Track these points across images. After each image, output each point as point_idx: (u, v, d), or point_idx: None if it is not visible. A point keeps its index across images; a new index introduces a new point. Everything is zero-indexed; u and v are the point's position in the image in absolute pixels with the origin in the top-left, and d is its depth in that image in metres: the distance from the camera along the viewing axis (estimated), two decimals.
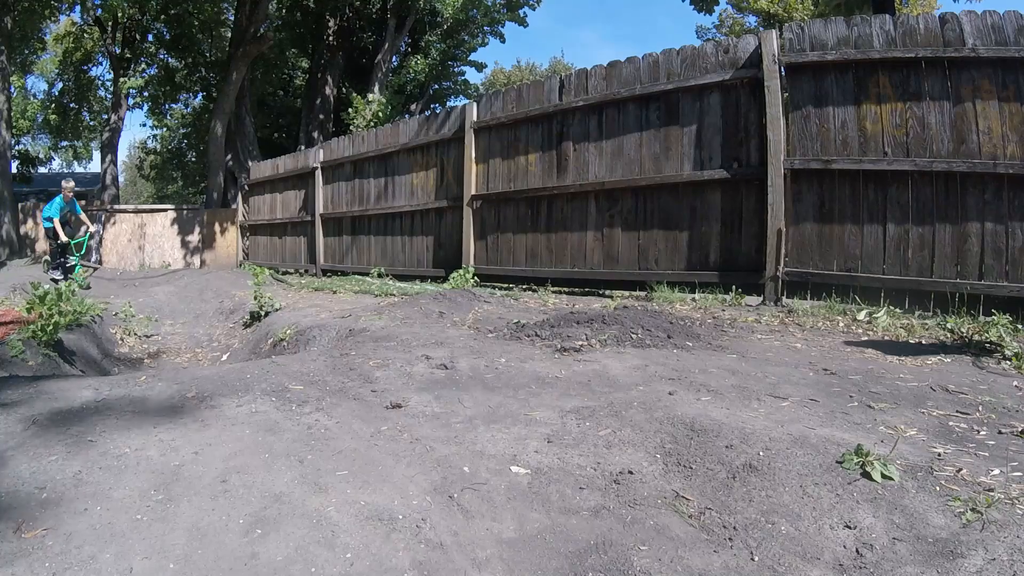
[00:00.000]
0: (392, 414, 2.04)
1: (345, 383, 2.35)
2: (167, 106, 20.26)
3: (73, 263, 8.65)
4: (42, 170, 26.05)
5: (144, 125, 21.02)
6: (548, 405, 2.11)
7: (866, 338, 3.22)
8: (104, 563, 1.18)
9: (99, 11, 15.84)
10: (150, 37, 18.05)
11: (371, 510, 1.40)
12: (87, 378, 2.65)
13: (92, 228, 8.98)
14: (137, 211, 14.01)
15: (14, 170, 16.59)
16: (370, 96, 14.82)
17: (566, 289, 5.67)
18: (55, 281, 8.12)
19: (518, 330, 3.29)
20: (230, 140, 14.28)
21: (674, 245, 5.01)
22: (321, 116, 16.03)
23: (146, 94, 18.30)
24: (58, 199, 8.71)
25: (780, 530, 1.34)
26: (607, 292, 5.39)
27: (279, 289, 7.07)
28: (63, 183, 8.85)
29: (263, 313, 5.15)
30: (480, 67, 21.15)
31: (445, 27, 17.83)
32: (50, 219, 8.52)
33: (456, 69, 20.45)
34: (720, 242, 4.76)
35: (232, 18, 16.09)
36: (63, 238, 8.48)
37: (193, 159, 24.31)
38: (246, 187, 12.47)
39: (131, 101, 18.34)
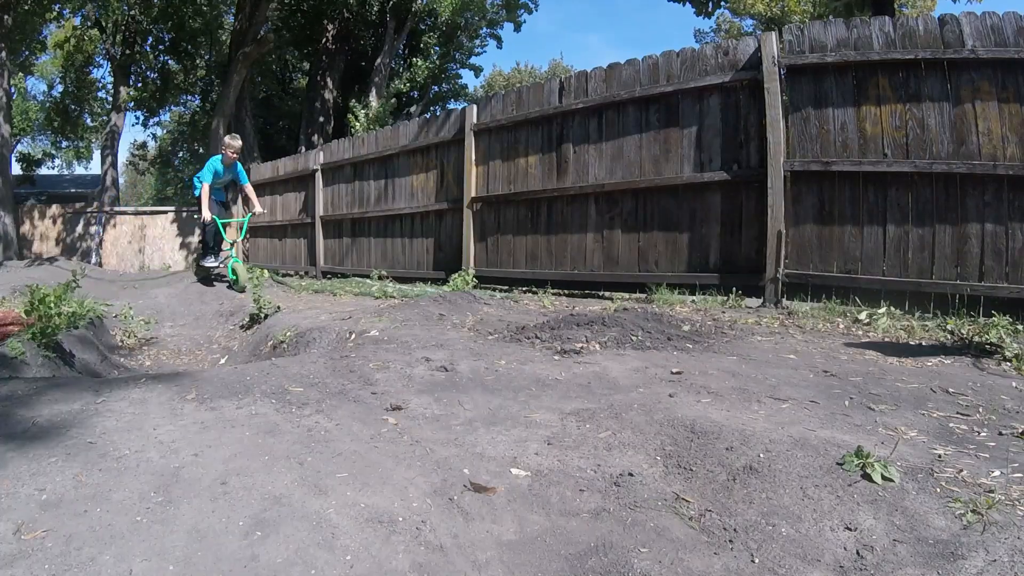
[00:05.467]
0: (392, 416, 2.04)
1: (345, 385, 2.35)
2: (164, 113, 20.35)
3: (230, 257, 6.90)
4: (43, 171, 26.10)
5: (143, 123, 20.97)
6: (548, 407, 2.11)
7: (866, 340, 3.22)
8: (104, 565, 1.18)
9: (98, 13, 15.90)
10: (150, 40, 18.09)
11: (371, 512, 1.40)
12: (87, 380, 2.65)
13: (258, 209, 6.97)
14: (137, 213, 14.02)
15: (17, 171, 16.64)
16: (370, 99, 14.84)
17: (566, 291, 5.67)
18: (206, 269, 6.91)
19: (518, 332, 3.29)
20: None
21: (674, 247, 5.01)
22: (321, 118, 16.05)
23: (145, 95, 18.35)
24: (214, 160, 6.74)
25: (781, 532, 1.34)
26: (607, 294, 5.39)
27: (279, 291, 7.07)
28: (227, 139, 6.86)
29: (263, 315, 5.15)
30: (478, 71, 21.27)
31: (443, 29, 17.89)
32: (199, 185, 6.63)
33: (454, 71, 20.55)
34: (720, 244, 4.76)
35: (232, 20, 16.14)
36: (206, 215, 6.59)
37: (190, 159, 24.36)
38: None
39: (130, 104, 18.39)
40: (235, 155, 6.75)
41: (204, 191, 6.50)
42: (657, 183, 5.06)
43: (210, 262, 6.81)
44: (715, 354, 2.89)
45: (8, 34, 12.06)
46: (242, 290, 6.39)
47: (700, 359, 2.75)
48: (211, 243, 7.01)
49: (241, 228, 7.17)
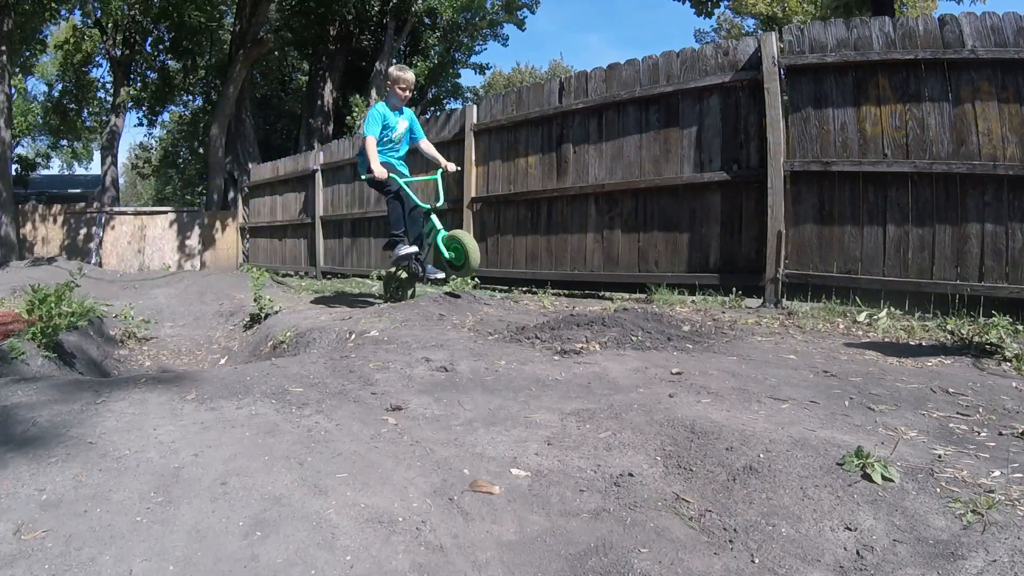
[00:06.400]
0: (392, 416, 2.04)
1: (345, 385, 2.35)
2: (163, 114, 20.33)
3: (432, 231, 4.76)
4: (43, 172, 26.07)
5: (141, 124, 20.94)
6: (548, 407, 2.11)
7: (866, 340, 3.22)
8: (104, 565, 1.18)
9: (98, 13, 15.89)
10: (149, 40, 18.09)
11: (371, 512, 1.40)
12: (87, 380, 2.65)
13: (451, 167, 4.85)
14: (137, 213, 14.04)
15: (13, 173, 16.60)
16: (370, 99, 14.84)
17: (566, 291, 5.67)
18: (402, 261, 4.71)
19: (518, 332, 3.29)
20: (230, 142, 14.30)
21: (674, 247, 5.01)
22: (320, 118, 16.06)
23: (144, 95, 18.34)
24: (378, 107, 4.58)
25: (781, 532, 1.34)
26: (607, 294, 5.39)
27: (279, 291, 7.07)
28: (393, 71, 4.63)
29: (263, 315, 5.14)
30: (481, 69, 21.27)
31: (444, 28, 17.90)
32: (366, 142, 4.41)
33: (454, 70, 20.56)
34: (720, 244, 4.76)
35: (232, 20, 16.14)
36: (378, 170, 4.31)
37: (191, 159, 24.36)
38: (246, 189, 12.49)
39: (129, 104, 18.39)
40: (406, 92, 4.58)
41: (370, 144, 4.36)
42: (657, 183, 5.06)
43: (404, 248, 4.56)
44: (715, 354, 2.88)
45: (8, 35, 12.05)
46: (470, 273, 4.56)
47: (700, 359, 2.75)
48: (404, 220, 4.60)
49: (436, 192, 4.78)
